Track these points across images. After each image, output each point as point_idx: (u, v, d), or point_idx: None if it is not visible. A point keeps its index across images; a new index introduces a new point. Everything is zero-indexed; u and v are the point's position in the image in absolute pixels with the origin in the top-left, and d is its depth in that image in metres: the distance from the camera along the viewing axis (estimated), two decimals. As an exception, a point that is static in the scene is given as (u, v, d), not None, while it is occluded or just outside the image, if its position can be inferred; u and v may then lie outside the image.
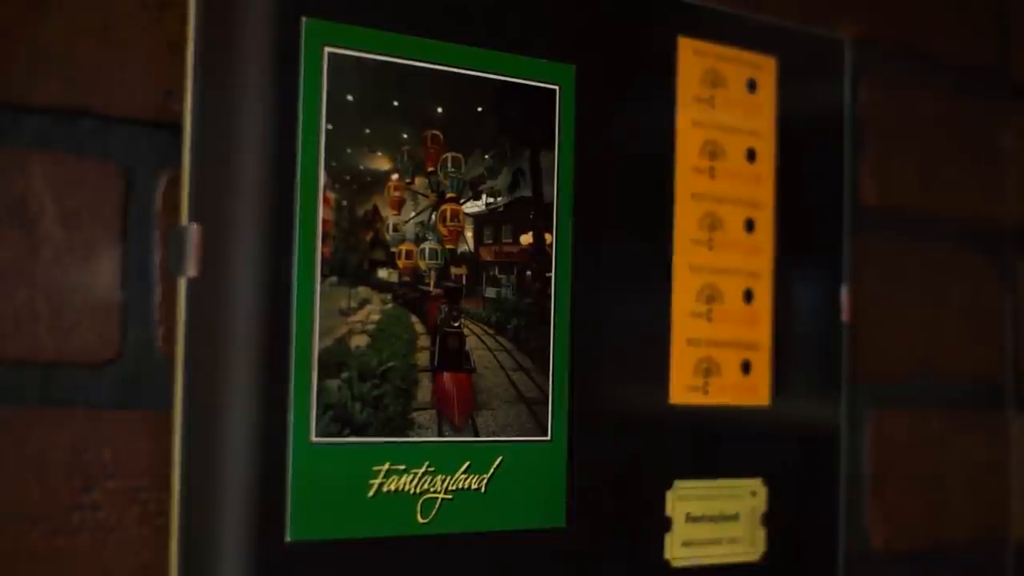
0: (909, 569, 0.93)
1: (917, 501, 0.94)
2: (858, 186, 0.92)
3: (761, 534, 0.83)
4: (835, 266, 0.87)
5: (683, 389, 0.80)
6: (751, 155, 0.84)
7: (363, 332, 0.68)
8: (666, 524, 0.79)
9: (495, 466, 0.73)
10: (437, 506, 0.70)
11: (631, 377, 0.78)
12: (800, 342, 0.86)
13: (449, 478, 0.71)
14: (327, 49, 0.67)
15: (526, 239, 0.74)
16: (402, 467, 0.69)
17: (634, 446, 0.78)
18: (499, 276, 0.74)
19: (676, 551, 0.79)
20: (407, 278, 0.70)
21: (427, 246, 0.71)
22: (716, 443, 0.82)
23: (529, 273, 0.74)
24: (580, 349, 0.76)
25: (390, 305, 0.69)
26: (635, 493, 0.78)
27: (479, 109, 0.73)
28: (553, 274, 0.75)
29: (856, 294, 0.89)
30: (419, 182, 0.71)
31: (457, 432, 0.71)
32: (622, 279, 0.78)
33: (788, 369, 0.85)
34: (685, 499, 0.80)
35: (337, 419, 0.67)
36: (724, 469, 0.82)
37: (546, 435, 0.75)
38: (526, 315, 0.74)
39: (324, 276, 0.67)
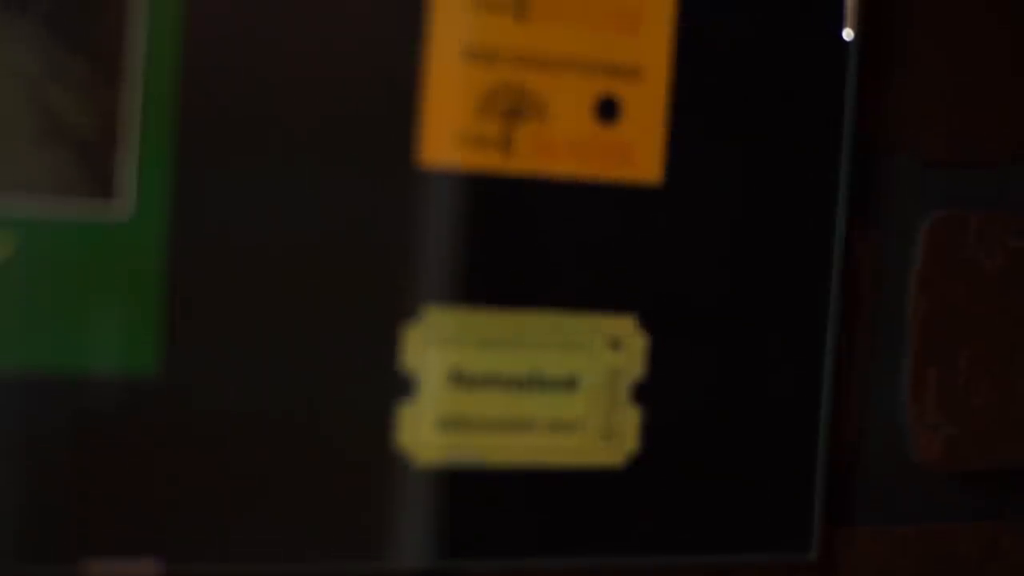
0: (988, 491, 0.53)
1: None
2: None
3: (628, 419, 0.46)
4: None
5: (452, 141, 0.43)
6: None
7: None
8: (402, 387, 0.43)
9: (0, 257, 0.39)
10: None
11: (317, 100, 0.42)
12: (734, 63, 0.46)
13: None
14: None
15: None
16: None
17: (322, 227, 0.42)
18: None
19: (425, 435, 0.43)
20: None
21: None
22: (528, 245, 0.44)
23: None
24: (197, 33, 0.40)
25: None
26: (321, 323, 0.42)
27: None
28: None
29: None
30: None
31: None
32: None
33: (706, 117, 0.46)
34: (447, 343, 0.43)
35: None
36: (546, 293, 0.45)
37: (114, 198, 0.40)
38: (72, -22, 0.40)
39: None
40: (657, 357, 0.45)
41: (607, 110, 0.44)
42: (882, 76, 0.49)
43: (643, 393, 0.45)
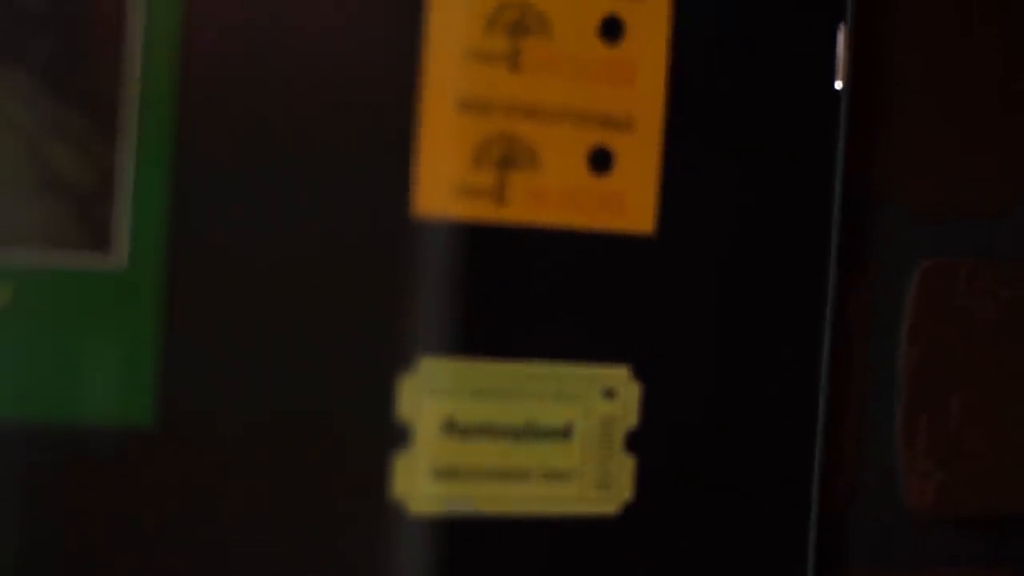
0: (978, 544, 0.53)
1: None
2: None
3: (622, 468, 0.46)
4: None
5: (446, 191, 0.43)
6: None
7: None
8: (397, 437, 0.43)
9: (-4, 307, 0.39)
10: None
11: (312, 151, 0.42)
12: (727, 114, 0.47)
13: None
14: None
15: None
16: None
17: (317, 278, 0.42)
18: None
19: (419, 485, 0.43)
20: None
21: None
22: (521, 295, 0.45)
23: (79, -47, 0.40)
24: (192, 90, 0.41)
25: None
26: (316, 375, 0.42)
27: None
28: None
29: (865, 37, 0.49)
30: None
31: None
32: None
33: (698, 168, 0.46)
34: (441, 392, 0.43)
35: None
36: (540, 343, 0.45)
37: (110, 251, 0.41)
38: (69, 29, 0.40)
39: None
40: (651, 406, 0.46)
41: (600, 160, 0.45)
42: (873, 127, 0.50)
43: (638, 442, 0.46)
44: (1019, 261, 0.52)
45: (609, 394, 0.45)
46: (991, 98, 0.52)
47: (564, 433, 0.45)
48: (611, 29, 0.45)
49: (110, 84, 0.40)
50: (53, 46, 0.40)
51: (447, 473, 0.43)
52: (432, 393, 0.43)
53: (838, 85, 0.47)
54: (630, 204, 0.45)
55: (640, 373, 0.45)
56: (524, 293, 0.44)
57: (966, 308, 0.51)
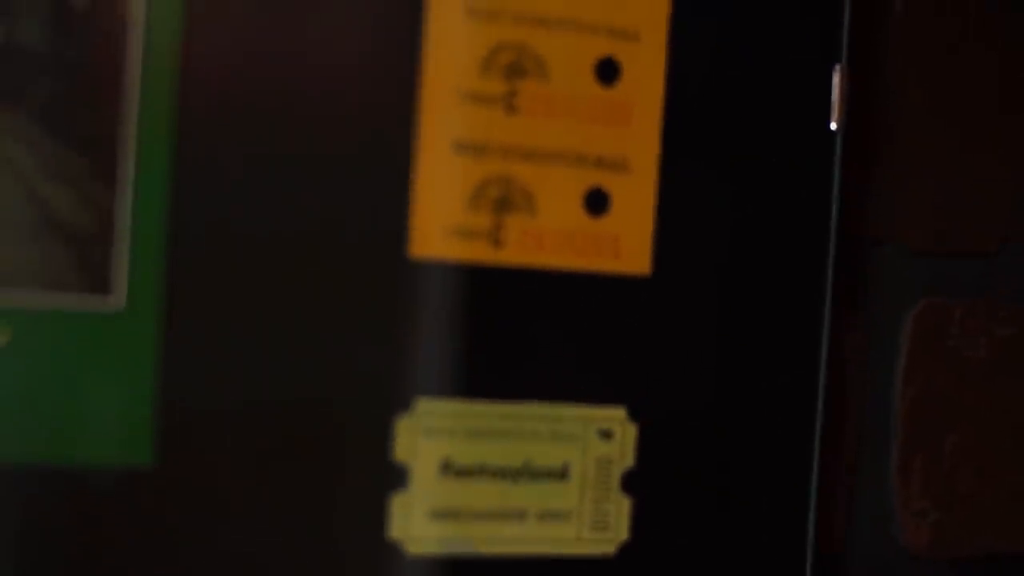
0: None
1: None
2: None
3: (619, 508, 0.46)
4: (819, 24, 0.47)
5: (443, 233, 0.44)
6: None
7: None
8: (394, 478, 0.43)
9: (-6, 349, 0.39)
10: None
11: (308, 194, 0.42)
12: (723, 155, 0.47)
13: None
14: None
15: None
16: None
17: (313, 319, 0.42)
18: (15, 4, 0.40)
19: (416, 526, 0.43)
20: None
21: None
22: (518, 337, 0.45)
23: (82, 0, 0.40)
24: (188, 135, 0.41)
25: None
26: (314, 416, 0.42)
27: None
28: (134, 21, 0.40)
29: (860, 78, 0.49)
30: None
31: None
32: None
33: (694, 209, 0.46)
34: (438, 433, 0.43)
35: None
36: (536, 384, 0.45)
37: (108, 293, 0.41)
38: (69, 72, 0.40)
39: None
40: (648, 447, 0.46)
41: (596, 202, 0.45)
42: (868, 167, 0.50)
43: (634, 482, 0.46)
44: (1013, 300, 0.53)
45: (606, 435, 0.45)
46: (987, 140, 0.52)
47: (561, 474, 0.45)
48: (607, 71, 0.45)
49: (109, 127, 0.40)
50: (53, 89, 0.40)
51: (444, 514, 0.43)
52: (429, 434, 0.43)
53: (833, 125, 0.47)
54: (626, 246, 0.45)
55: (636, 414, 0.45)
56: (520, 335, 0.44)
57: (960, 348, 0.51)
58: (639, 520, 0.46)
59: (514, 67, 0.44)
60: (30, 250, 0.40)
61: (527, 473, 0.44)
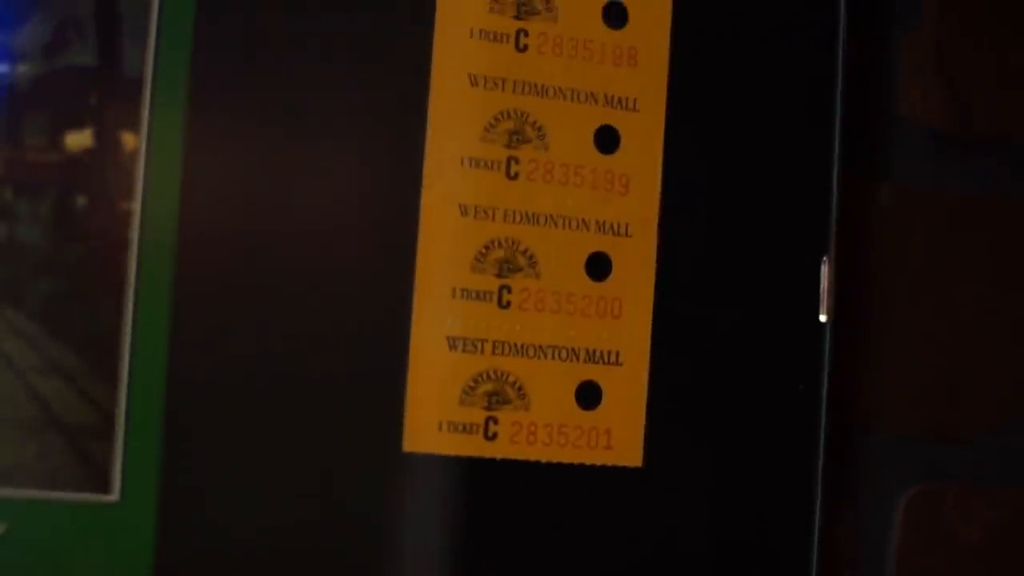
0: None
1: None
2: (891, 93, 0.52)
3: None
4: (807, 217, 0.48)
5: (434, 428, 0.44)
6: (613, 11, 0.47)
7: None
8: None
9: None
10: None
11: (296, 389, 0.43)
12: (714, 347, 0.47)
13: None
14: None
15: (77, 142, 0.41)
16: None
17: (306, 528, 0.43)
18: (16, 205, 0.41)
19: None
20: None
21: None
22: (509, 539, 0.45)
23: (81, 201, 0.41)
24: (184, 334, 0.42)
25: None
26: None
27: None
28: (138, 202, 0.41)
29: (848, 269, 0.50)
30: None
31: None
32: (282, 190, 0.43)
33: (685, 400, 0.47)
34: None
35: None
36: (530, 573, 0.45)
37: (108, 492, 0.41)
38: (69, 276, 0.41)
39: None
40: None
41: (588, 396, 0.45)
42: (858, 356, 0.51)
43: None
44: (1005, 483, 0.53)
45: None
46: (975, 327, 0.53)
47: (553, 667, 0.45)
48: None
49: (108, 326, 0.41)
50: (53, 289, 0.41)
51: None
52: (421, 628, 0.43)
53: (823, 317, 0.48)
54: (618, 438, 0.46)
55: (628, 606, 0.46)
56: (513, 526, 0.45)
57: (953, 532, 0.52)
58: None
59: (508, 264, 0.45)
60: (29, 447, 0.40)
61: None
